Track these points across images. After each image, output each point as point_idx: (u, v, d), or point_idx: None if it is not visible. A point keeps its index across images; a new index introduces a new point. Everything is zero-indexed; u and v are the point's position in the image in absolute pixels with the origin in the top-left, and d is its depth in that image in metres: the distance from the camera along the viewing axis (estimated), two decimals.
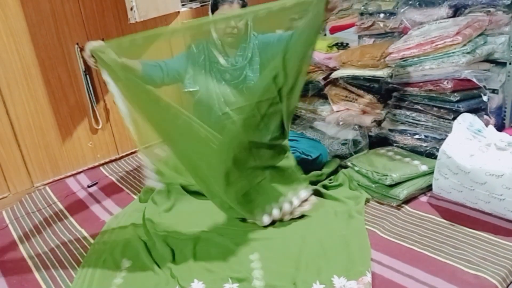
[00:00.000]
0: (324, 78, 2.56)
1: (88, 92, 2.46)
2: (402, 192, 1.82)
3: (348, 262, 1.48)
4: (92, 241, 1.79)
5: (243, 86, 2.03)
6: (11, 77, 2.22)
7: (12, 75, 2.22)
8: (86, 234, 1.86)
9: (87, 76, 2.44)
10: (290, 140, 2.04)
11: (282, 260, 1.53)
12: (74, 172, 2.51)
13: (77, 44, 2.38)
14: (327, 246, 1.57)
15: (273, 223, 1.74)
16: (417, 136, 2.08)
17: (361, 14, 2.43)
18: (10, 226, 1.99)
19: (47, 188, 2.35)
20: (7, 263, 1.71)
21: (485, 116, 2.00)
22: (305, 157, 2.04)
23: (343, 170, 2.07)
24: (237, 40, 1.98)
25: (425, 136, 2.06)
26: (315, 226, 1.70)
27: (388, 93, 2.23)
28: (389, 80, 2.16)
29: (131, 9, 2.30)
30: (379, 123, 2.27)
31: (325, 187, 1.98)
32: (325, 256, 1.52)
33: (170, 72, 2.03)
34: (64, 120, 2.44)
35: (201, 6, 2.87)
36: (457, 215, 1.72)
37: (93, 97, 2.49)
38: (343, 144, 2.24)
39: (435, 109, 2.00)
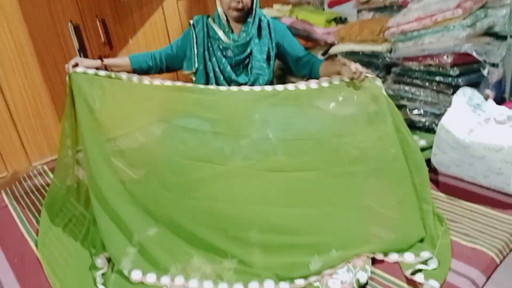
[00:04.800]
0: (323, 54, 2.53)
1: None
2: None
3: (347, 237, 1.49)
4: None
5: (246, 63, 2.01)
6: (5, 57, 2.19)
7: (5, 54, 2.18)
8: (85, 212, 1.86)
9: (82, 55, 2.41)
10: (287, 117, 2.03)
11: (281, 236, 1.54)
12: None
13: (71, 21, 2.34)
14: (326, 222, 1.58)
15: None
16: (416, 111, 2.07)
17: None
18: (9, 206, 2.00)
19: (45, 167, 2.35)
20: (8, 242, 1.72)
21: (485, 90, 1.99)
22: (304, 133, 2.02)
23: None
24: (243, 15, 1.96)
25: (424, 111, 2.05)
26: (314, 201, 1.70)
27: (387, 68, 2.21)
28: (388, 55, 2.14)
29: None
30: None
31: None
32: (324, 231, 1.53)
33: (165, 59, 2.05)
34: (60, 100, 2.41)
35: None
36: (455, 189, 1.73)
37: None
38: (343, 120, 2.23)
39: (434, 83, 1.99)
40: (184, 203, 1.78)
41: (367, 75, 1.72)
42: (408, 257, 1.38)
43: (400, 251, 1.41)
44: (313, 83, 1.81)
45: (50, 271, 1.52)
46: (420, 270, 1.31)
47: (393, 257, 1.40)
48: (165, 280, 1.44)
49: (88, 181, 1.90)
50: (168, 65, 2.09)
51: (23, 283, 1.49)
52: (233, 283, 1.40)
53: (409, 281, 1.30)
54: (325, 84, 1.78)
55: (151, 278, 1.45)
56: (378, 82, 1.77)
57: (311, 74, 2.08)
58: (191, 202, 1.78)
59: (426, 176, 1.66)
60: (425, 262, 1.35)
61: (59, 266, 1.53)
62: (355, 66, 1.73)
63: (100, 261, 1.50)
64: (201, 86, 1.84)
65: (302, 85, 1.82)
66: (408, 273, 1.30)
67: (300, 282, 1.37)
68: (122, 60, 2.00)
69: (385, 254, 1.40)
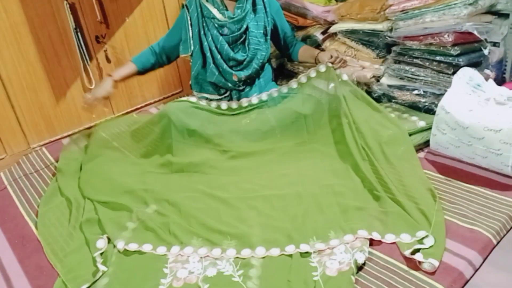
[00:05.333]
0: (322, 33, 2.50)
1: (80, 50, 2.40)
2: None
3: (345, 219, 1.50)
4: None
5: (243, 40, 2.00)
6: (0, 36, 2.15)
7: (0, 33, 2.15)
8: (84, 193, 1.86)
9: (78, 33, 2.37)
10: (285, 96, 2.02)
11: (280, 216, 1.55)
12: (70, 132, 2.49)
13: (66, 0, 2.30)
14: (323, 203, 1.58)
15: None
16: (416, 92, 2.06)
17: None
18: (8, 188, 2.00)
19: (43, 149, 2.34)
20: (8, 224, 1.73)
21: (486, 70, 1.97)
22: (303, 113, 2.02)
23: None
24: None
25: (424, 91, 2.03)
26: (312, 182, 1.70)
27: (387, 47, 2.18)
28: (388, 34, 2.11)
29: None
30: (378, 78, 2.24)
31: None
32: (322, 212, 1.54)
33: (164, 51, 2.09)
34: (57, 80, 2.39)
35: None
36: (453, 170, 1.73)
37: (86, 55, 2.43)
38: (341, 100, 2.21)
39: (435, 63, 1.97)
40: (183, 185, 1.79)
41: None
42: (405, 237, 1.39)
43: (397, 231, 1.42)
44: (312, 72, 1.96)
45: (50, 252, 1.53)
46: (418, 250, 1.33)
47: (389, 237, 1.40)
48: (161, 249, 1.46)
49: (85, 160, 1.91)
50: (168, 56, 2.12)
51: (23, 264, 1.50)
52: (226, 248, 1.42)
53: (408, 261, 1.31)
54: (322, 69, 1.94)
55: (147, 247, 1.47)
56: (345, 76, 1.95)
57: (291, 54, 2.23)
58: (190, 183, 1.80)
59: (417, 157, 1.76)
60: (421, 241, 1.36)
61: (59, 247, 1.54)
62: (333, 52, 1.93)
63: (101, 242, 1.51)
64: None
65: (303, 78, 1.98)
66: (407, 253, 1.32)
67: (290, 248, 1.40)
68: (128, 68, 2.07)
69: (382, 236, 1.41)
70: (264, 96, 2.00)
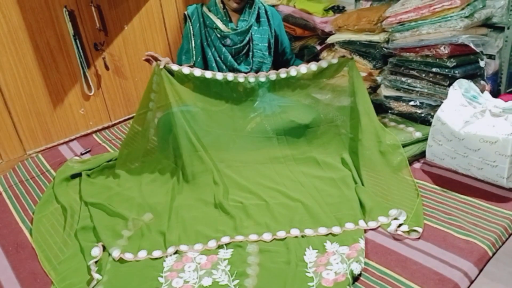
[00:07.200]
0: (320, 43, 2.52)
1: (79, 57, 2.40)
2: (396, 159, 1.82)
3: (340, 230, 1.51)
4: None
5: (245, 52, 2.01)
6: None
7: None
8: (79, 200, 1.85)
9: (77, 40, 2.37)
10: (283, 105, 2.02)
11: (276, 226, 1.55)
12: (66, 139, 2.49)
13: (65, 7, 2.30)
14: (318, 212, 1.59)
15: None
16: (412, 103, 2.07)
17: None
18: (4, 194, 1.99)
19: (40, 155, 2.33)
20: (2, 230, 1.72)
21: (481, 82, 1.99)
22: (300, 122, 2.02)
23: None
24: (242, 5, 1.95)
25: (420, 102, 2.05)
26: (309, 194, 1.70)
27: (384, 58, 2.20)
28: (385, 45, 2.13)
29: None
30: (374, 89, 2.25)
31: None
32: (318, 223, 1.54)
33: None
34: (54, 86, 2.39)
35: None
36: (449, 181, 1.73)
37: (84, 62, 2.44)
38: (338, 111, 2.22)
39: (431, 75, 1.98)
40: (179, 193, 1.78)
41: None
42: (382, 219, 1.54)
43: (374, 216, 1.56)
44: (302, 68, 1.92)
45: (44, 259, 1.52)
46: (401, 225, 1.50)
47: (372, 224, 1.53)
48: (156, 253, 1.47)
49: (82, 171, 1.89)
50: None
51: (17, 271, 1.49)
52: (221, 236, 1.50)
53: (402, 267, 1.34)
54: (313, 67, 1.91)
55: (142, 254, 1.48)
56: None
57: None
58: (186, 192, 1.79)
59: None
60: (396, 218, 1.54)
61: (53, 254, 1.53)
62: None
63: (96, 250, 1.50)
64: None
65: (292, 70, 1.92)
66: (392, 230, 1.48)
67: (281, 233, 1.50)
68: None
69: (366, 224, 1.54)
70: (262, 77, 1.92)
